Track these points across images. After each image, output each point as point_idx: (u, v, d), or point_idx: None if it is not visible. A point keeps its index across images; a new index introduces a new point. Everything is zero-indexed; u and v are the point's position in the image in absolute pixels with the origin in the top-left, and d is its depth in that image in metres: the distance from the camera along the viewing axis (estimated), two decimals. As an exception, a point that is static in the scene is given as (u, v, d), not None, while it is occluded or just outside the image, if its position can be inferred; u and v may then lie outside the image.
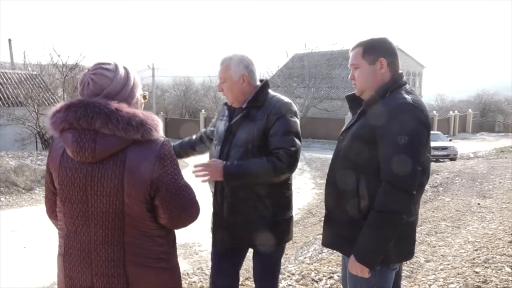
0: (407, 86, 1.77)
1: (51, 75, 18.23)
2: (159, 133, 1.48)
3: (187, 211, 1.51)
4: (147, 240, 1.49)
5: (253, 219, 2.12)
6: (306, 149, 18.58)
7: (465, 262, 3.59)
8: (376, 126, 1.66)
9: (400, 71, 1.81)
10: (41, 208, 7.01)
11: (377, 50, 1.78)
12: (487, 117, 38.74)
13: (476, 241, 4.19)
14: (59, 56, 15.98)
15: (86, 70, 1.53)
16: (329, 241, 1.94)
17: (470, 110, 34.17)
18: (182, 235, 5.33)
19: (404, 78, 1.80)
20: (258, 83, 2.22)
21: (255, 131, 2.09)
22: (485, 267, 3.41)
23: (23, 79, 17.24)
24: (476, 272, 3.32)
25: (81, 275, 1.48)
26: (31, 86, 16.71)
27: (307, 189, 9.58)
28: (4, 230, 6.03)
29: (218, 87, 2.26)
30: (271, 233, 2.14)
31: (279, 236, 2.19)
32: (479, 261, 3.54)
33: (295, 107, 2.20)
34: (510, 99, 47.08)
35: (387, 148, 1.62)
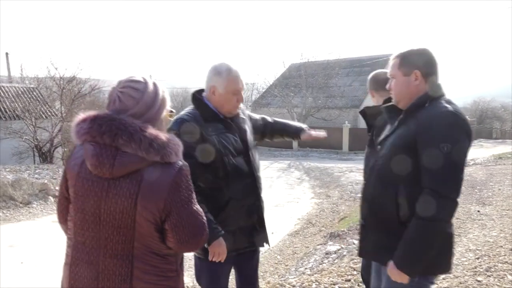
0: (446, 97, 1.80)
1: (49, 88, 18.21)
2: (179, 157, 1.48)
3: (196, 237, 1.50)
4: (156, 257, 1.49)
5: (252, 224, 2.30)
6: (304, 158, 18.57)
7: (466, 271, 3.56)
8: (417, 135, 1.68)
9: (438, 83, 1.82)
10: (39, 222, 6.97)
11: (413, 61, 1.81)
12: (484, 124, 38.88)
13: (478, 249, 4.16)
14: (56, 69, 15.98)
15: (117, 84, 1.53)
16: (366, 252, 1.96)
17: (467, 117, 34.23)
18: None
19: (443, 90, 1.81)
20: None
21: (251, 130, 2.39)
22: (487, 276, 3.39)
23: (20, 92, 17.22)
24: (478, 281, 3.30)
25: (86, 287, 1.47)
26: (28, 99, 16.69)
27: (306, 199, 9.53)
28: (2, 245, 5.96)
29: (239, 98, 2.26)
30: (264, 235, 2.37)
31: (265, 237, 2.40)
32: (481, 270, 3.52)
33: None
34: (507, 105, 47.33)
35: (430, 156, 1.63)
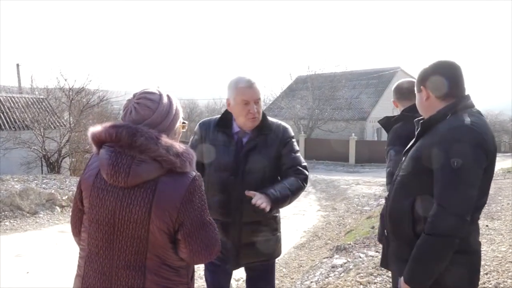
0: (474, 109, 1.74)
1: (58, 99, 18.44)
2: (193, 167, 1.50)
3: (208, 248, 1.51)
4: (168, 269, 1.49)
5: (258, 240, 2.25)
6: (310, 171, 18.33)
7: (475, 287, 3.51)
8: (431, 148, 1.67)
9: (461, 94, 1.76)
10: (46, 232, 6.99)
11: (421, 78, 1.82)
12: (492, 138, 38.53)
13: (486, 265, 4.10)
14: (65, 80, 16.20)
15: (132, 96, 1.55)
16: (386, 262, 1.97)
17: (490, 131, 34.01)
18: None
19: (468, 101, 1.76)
20: None
21: (271, 156, 2.20)
22: (496, 292, 3.33)
23: (30, 103, 17.45)
24: (487, 297, 3.24)
25: None
26: (37, 110, 16.89)
27: (312, 211, 9.48)
28: (8, 254, 5.98)
29: (251, 109, 2.17)
30: (275, 246, 2.33)
31: (275, 251, 2.36)
32: (490, 286, 3.47)
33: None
34: (515, 119, 46.91)
35: (440, 171, 1.61)
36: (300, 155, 2.32)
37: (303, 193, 9.07)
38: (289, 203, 2.15)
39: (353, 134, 22.45)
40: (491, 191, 8.10)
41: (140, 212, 1.43)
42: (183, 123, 1.65)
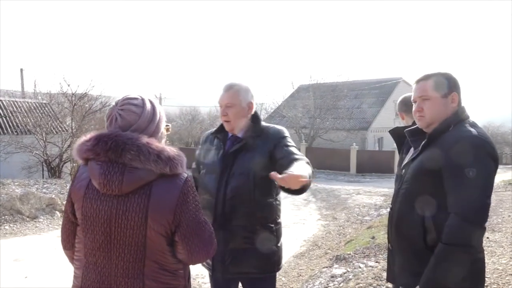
0: (471, 120, 1.80)
1: (60, 104, 18.51)
2: (184, 168, 1.52)
3: (206, 247, 1.54)
4: (166, 273, 1.50)
5: (251, 246, 2.15)
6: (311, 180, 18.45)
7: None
8: (442, 159, 1.67)
9: (462, 105, 1.82)
10: (45, 237, 6.99)
11: (449, 84, 1.80)
12: (494, 149, 38.47)
13: (486, 277, 4.07)
14: (68, 85, 16.29)
15: (114, 104, 1.57)
16: (393, 277, 1.93)
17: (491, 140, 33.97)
18: (185, 266, 5.25)
19: (467, 112, 1.82)
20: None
21: (257, 159, 2.13)
22: (496, 304, 3.31)
23: (32, 107, 17.51)
24: (487, 309, 3.22)
25: None
26: (40, 114, 16.95)
27: (312, 221, 9.45)
28: (7, 258, 5.97)
29: (221, 112, 2.24)
30: (268, 259, 2.19)
31: (276, 262, 2.26)
32: (490, 298, 3.44)
33: (287, 132, 2.30)
34: (517, 131, 46.84)
35: (456, 181, 1.62)
36: (297, 151, 2.15)
37: (303, 202, 9.05)
38: (310, 178, 1.86)
39: (354, 143, 22.46)
40: (492, 203, 8.04)
41: (136, 217, 1.43)
42: (167, 125, 1.67)
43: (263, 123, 2.28)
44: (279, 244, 2.27)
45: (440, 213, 1.65)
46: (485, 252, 5.32)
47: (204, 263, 2.30)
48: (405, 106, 2.72)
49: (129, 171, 1.43)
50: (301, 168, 1.87)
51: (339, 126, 25.38)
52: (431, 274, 1.62)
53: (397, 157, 2.43)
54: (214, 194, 2.18)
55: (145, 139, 1.47)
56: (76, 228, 1.57)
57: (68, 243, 1.64)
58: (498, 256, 4.91)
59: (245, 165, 2.14)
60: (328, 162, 21.92)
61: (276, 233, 2.26)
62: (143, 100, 1.57)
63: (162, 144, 1.54)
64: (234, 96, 2.18)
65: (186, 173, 1.53)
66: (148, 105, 1.57)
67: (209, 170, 2.25)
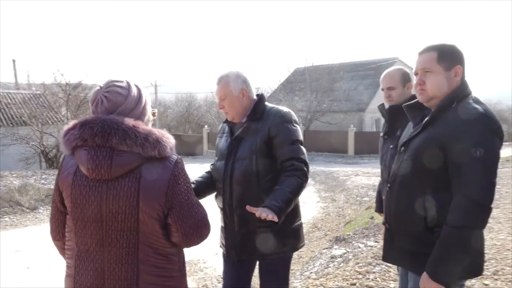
0: (473, 96, 1.70)
1: (55, 94, 18.38)
2: (173, 151, 1.50)
3: (200, 229, 1.52)
4: (160, 258, 1.49)
5: (263, 228, 2.14)
6: (310, 162, 18.28)
7: (474, 275, 3.53)
8: (447, 138, 1.60)
9: (465, 79, 1.73)
10: (45, 227, 6.98)
11: (453, 56, 1.71)
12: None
13: (485, 252, 4.12)
14: (62, 75, 16.17)
15: (98, 88, 1.54)
16: (390, 256, 1.89)
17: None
18: (186, 252, 5.29)
19: (469, 87, 1.73)
20: (255, 97, 2.28)
21: (258, 142, 2.14)
22: (495, 279, 3.35)
23: (27, 98, 17.42)
24: (485, 285, 3.26)
25: None
26: (34, 105, 16.86)
27: (311, 203, 9.51)
28: (8, 250, 6.00)
29: (218, 105, 2.28)
30: (282, 241, 2.17)
31: (291, 243, 2.23)
32: (488, 273, 3.48)
33: (294, 116, 2.26)
34: (513, 108, 46.95)
35: (462, 161, 1.55)
36: (299, 146, 2.16)
37: (302, 185, 8.86)
38: (294, 203, 2.08)
39: (351, 125, 22.43)
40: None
41: (127, 202, 1.41)
42: (153, 110, 1.66)
43: (268, 105, 2.27)
44: (293, 226, 2.24)
45: (441, 193, 1.61)
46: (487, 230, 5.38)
47: (221, 244, 2.35)
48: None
49: (117, 154, 1.41)
50: (278, 197, 1.98)
51: (336, 108, 25.32)
52: (439, 259, 1.57)
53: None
54: (222, 179, 2.22)
55: (131, 122, 1.44)
56: (66, 217, 1.54)
57: (58, 233, 1.61)
58: (496, 232, 4.96)
59: (247, 149, 2.16)
60: (326, 145, 21.91)
61: (288, 215, 2.19)
62: (128, 83, 1.56)
63: (149, 127, 1.52)
64: (225, 87, 2.21)
65: (175, 156, 1.51)
66: (134, 88, 1.55)
67: (220, 157, 2.30)
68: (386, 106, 2.56)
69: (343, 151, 21.51)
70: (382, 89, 2.58)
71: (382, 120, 2.75)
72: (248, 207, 1.94)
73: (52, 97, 18.45)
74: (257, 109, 2.22)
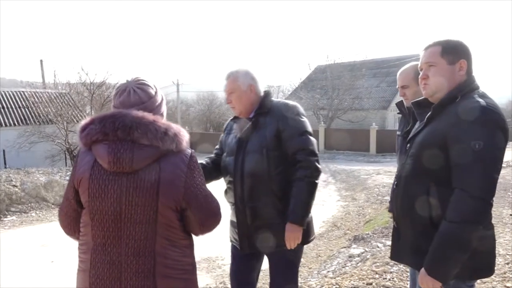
0: (480, 90, 1.68)
1: (80, 93, 18.82)
2: (188, 145, 1.57)
3: (214, 217, 1.61)
4: (176, 250, 1.53)
5: (276, 221, 2.18)
6: (331, 161, 18.38)
7: (495, 276, 3.43)
8: (447, 131, 1.58)
9: (473, 74, 1.71)
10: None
11: (458, 50, 1.69)
12: (519, 125, 37.43)
13: (508, 254, 4.01)
14: (87, 74, 16.53)
15: (127, 81, 1.62)
16: (398, 255, 1.88)
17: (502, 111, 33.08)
18: (205, 248, 5.37)
19: (476, 82, 1.70)
20: (262, 94, 2.32)
21: (268, 136, 2.18)
22: (518, 282, 3.26)
23: (53, 97, 17.87)
24: (507, 287, 3.18)
25: None
26: (60, 104, 17.28)
27: (332, 202, 9.43)
28: (34, 244, 6.19)
29: (226, 99, 2.35)
30: None
31: (302, 237, 2.22)
32: (511, 276, 3.39)
33: (301, 108, 2.30)
34: (544, 105, 45.29)
35: (461, 154, 1.53)
36: (307, 137, 2.19)
37: (322, 184, 9.01)
38: (312, 204, 2.17)
39: (373, 123, 22.12)
40: (515, 179, 7.73)
41: (147, 194, 1.45)
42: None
43: (274, 100, 2.32)
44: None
45: (446, 189, 1.57)
46: (508, 229, 5.26)
47: (232, 239, 2.40)
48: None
49: (138, 148, 1.45)
50: (296, 208, 2.10)
51: (357, 106, 25.03)
52: (435, 254, 1.56)
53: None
54: (232, 174, 2.26)
55: (151, 116, 1.50)
56: (78, 214, 1.58)
57: (71, 229, 1.65)
58: (521, 233, 4.82)
59: (256, 143, 2.19)
60: (348, 143, 21.70)
61: None
62: (154, 85, 1.65)
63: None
64: (233, 82, 2.26)
65: (190, 149, 1.58)
66: (160, 91, 1.65)
67: (229, 153, 2.33)
68: (405, 103, 2.53)
69: (364, 149, 21.27)
70: (397, 88, 2.55)
71: (401, 118, 2.71)
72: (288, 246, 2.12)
73: (77, 96, 18.88)
74: (265, 103, 2.26)
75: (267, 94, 2.32)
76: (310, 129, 2.25)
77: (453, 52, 1.69)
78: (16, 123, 16.26)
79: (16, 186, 8.56)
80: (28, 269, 5.07)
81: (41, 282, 4.67)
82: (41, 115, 16.49)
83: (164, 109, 1.65)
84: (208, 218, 1.58)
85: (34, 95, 17.61)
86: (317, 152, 2.21)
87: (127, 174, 1.46)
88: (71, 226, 1.64)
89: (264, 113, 2.23)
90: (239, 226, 2.29)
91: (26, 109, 16.99)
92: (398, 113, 2.63)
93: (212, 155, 2.53)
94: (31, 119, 16.53)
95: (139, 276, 1.47)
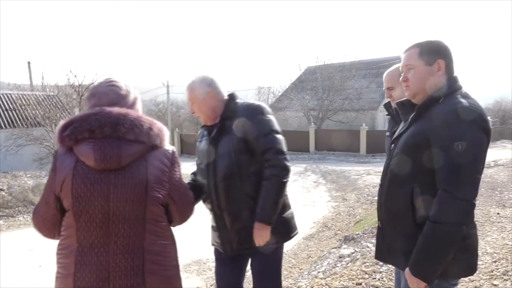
0: (463, 90, 1.68)
1: (68, 95, 18.60)
2: (168, 142, 1.62)
3: (192, 208, 1.73)
4: (163, 246, 1.54)
5: (252, 225, 2.15)
6: (321, 162, 18.43)
7: (482, 275, 3.46)
8: (430, 132, 1.58)
9: (455, 75, 1.72)
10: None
11: (435, 51, 1.70)
12: (507, 125, 37.93)
13: (495, 252, 4.05)
14: (75, 76, 16.33)
15: (97, 84, 1.63)
16: (383, 255, 1.88)
17: (489, 117, 33.45)
18: (195, 251, 5.34)
19: (459, 82, 1.71)
20: (226, 97, 2.30)
21: (234, 139, 2.17)
22: (504, 280, 3.29)
23: (41, 99, 17.66)
24: (495, 285, 3.21)
25: None
26: (48, 106, 17.09)
27: (322, 202, 9.46)
28: (22, 248, 6.10)
29: (190, 109, 2.35)
30: (274, 232, 2.17)
31: (282, 234, 2.26)
32: (498, 273, 3.42)
33: (266, 107, 2.28)
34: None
35: (444, 155, 1.53)
36: (274, 136, 2.17)
37: (313, 184, 9.05)
38: (281, 203, 2.16)
39: (363, 124, 22.23)
40: (504, 179, 8.01)
41: (136, 189, 1.45)
42: None
43: (240, 101, 2.30)
44: (283, 216, 2.26)
45: (429, 190, 1.58)
46: (495, 228, 5.31)
47: (214, 243, 2.39)
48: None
49: (125, 144, 1.45)
50: (264, 208, 2.09)
51: (348, 107, 25.15)
52: (420, 255, 1.57)
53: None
54: (207, 181, 2.26)
55: (135, 113, 1.52)
56: (58, 219, 1.54)
57: (51, 233, 1.62)
58: (508, 231, 4.87)
59: (225, 147, 2.19)
60: (338, 144, 21.78)
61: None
62: (125, 84, 1.65)
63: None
64: (192, 93, 2.27)
65: (170, 146, 1.64)
66: (130, 89, 1.65)
67: (201, 160, 2.33)
68: (392, 105, 2.54)
69: (355, 150, 21.36)
70: (384, 89, 2.56)
71: (389, 119, 2.73)
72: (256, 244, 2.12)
73: (66, 98, 18.66)
74: (229, 107, 2.25)
75: (232, 97, 2.31)
76: (276, 127, 2.23)
77: (431, 53, 1.70)
78: (3, 126, 16.04)
79: (3, 190, 8.44)
80: (15, 274, 4.99)
81: (29, 286, 4.60)
82: (28, 117, 16.29)
83: (139, 107, 1.66)
84: (188, 210, 1.69)
85: (21, 98, 17.40)
86: (284, 150, 2.19)
87: (114, 171, 1.44)
88: (51, 230, 1.61)
89: (229, 116, 2.22)
90: (219, 231, 2.29)
91: (14, 112, 16.77)
92: (387, 114, 2.65)
93: (190, 180, 2.44)
94: (19, 122, 16.32)
95: (128, 274, 1.45)
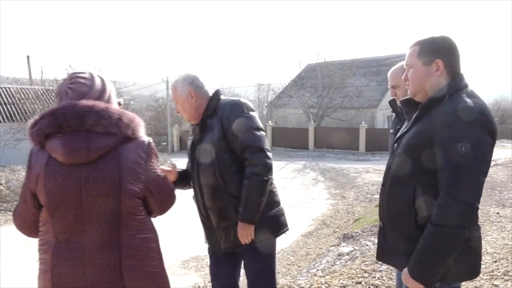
0: (469, 89, 1.63)
1: (67, 90, 18.53)
2: (144, 132, 1.55)
3: (172, 199, 1.66)
4: (141, 240, 1.49)
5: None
6: (320, 159, 18.43)
7: (483, 275, 3.44)
8: (434, 133, 1.53)
9: (461, 73, 1.66)
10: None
11: (435, 50, 1.63)
12: (506, 124, 37.98)
13: (495, 252, 4.03)
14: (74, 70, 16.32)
15: (62, 81, 1.56)
16: (383, 255, 1.84)
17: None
18: (193, 247, 5.32)
19: (465, 81, 1.65)
20: (210, 95, 2.26)
21: (215, 138, 2.14)
22: (505, 280, 3.27)
23: (40, 94, 17.60)
24: (495, 285, 3.19)
25: (73, 286, 1.41)
26: (47, 100, 17.04)
27: (321, 200, 9.45)
28: (19, 243, 6.07)
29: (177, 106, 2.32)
30: (262, 229, 2.16)
31: (271, 230, 2.23)
32: (498, 274, 3.41)
33: (248, 104, 2.22)
34: (530, 105, 45.98)
35: (447, 157, 1.49)
36: (253, 133, 2.11)
37: (312, 182, 9.04)
38: (263, 202, 2.12)
39: (363, 122, 22.22)
40: (503, 178, 8.00)
41: (109, 183, 1.41)
42: (118, 101, 1.66)
43: (222, 98, 2.26)
44: (271, 213, 2.23)
45: (432, 191, 1.54)
46: (495, 227, 5.30)
47: (206, 241, 2.39)
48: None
49: (94, 136, 1.40)
50: (245, 207, 2.08)
51: (347, 105, 25.13)
52: (420, 258, 1.53)
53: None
54: (192, 180, 2.27)
55: (102, 104, 1.46)
56: (37, 217, 1.50)
57: (32, 232, 1.57)
58: (508, 231, 4.86)
59: (206, 146, 2.17)
60: (337, 141, 21.78)
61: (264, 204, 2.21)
62: (91, 74, 1.57)
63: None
64: (174, 92, 2.26)
65: (147, 137, 1.58)
66: (97, 79, 1.57)
67: (189, 159, 2.34)
68: (397, 102, 2.52)
69: (354, 148, 21.37)
70: (389, 88, 2.55)
71: (394, 117, 2.71)
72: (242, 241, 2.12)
73: (65, 93, 18.60)
74: (210, 105, 2.22)
75: (215, 94, 2.27)
76: (257, 124, 2.16)
77: (430, 53, 1.64)
78: (1, 120, 15.99)
79: (1, 184, 8.41)
80: (12, 268, 4.98)
81: (26, 281, 4.58)
82: (27, 111, 16.22)
83: (109, 96, 1.56)
84: (168, 201, 1.64)
85: (20, 92, 17.33)
86: (265, 147, 2.13)
87: (85, 165, 1.40)
88: (32, 229, 1.56)
89: (210, 115, 2.19)
90: (207, 230, 2.30)
91: (12, 106, 16.71)
92: (391, 111, 2.62)
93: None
94: (17, 116, 16.26)
95: (105, 270, 1.41)
